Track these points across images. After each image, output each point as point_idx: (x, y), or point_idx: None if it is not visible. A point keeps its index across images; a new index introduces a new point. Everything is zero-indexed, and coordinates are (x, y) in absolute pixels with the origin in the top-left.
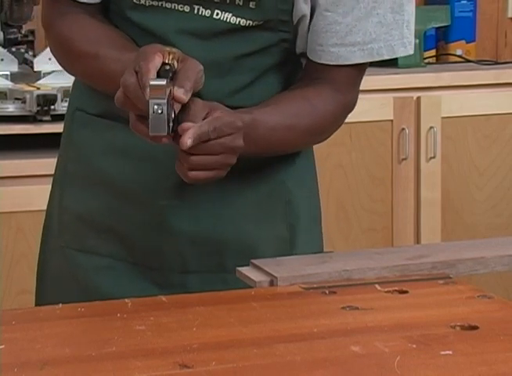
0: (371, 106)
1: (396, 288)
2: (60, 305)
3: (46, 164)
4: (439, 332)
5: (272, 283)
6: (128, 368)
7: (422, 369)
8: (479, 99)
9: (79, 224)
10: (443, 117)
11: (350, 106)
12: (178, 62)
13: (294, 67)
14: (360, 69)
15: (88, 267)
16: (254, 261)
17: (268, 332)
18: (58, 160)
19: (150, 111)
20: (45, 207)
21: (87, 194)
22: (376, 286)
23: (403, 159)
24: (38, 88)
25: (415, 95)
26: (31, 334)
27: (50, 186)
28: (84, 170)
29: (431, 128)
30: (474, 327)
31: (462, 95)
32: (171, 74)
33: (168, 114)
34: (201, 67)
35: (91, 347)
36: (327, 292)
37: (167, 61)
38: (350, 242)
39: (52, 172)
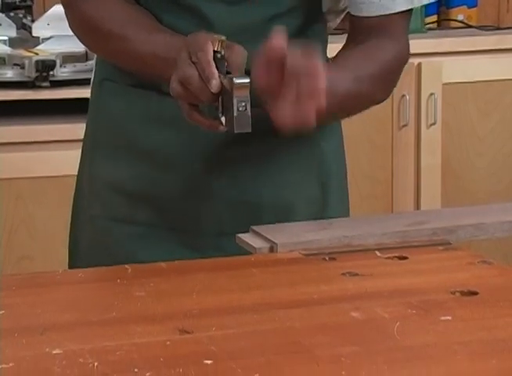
0: None
1: (396, 254)
2: (60, 270)
3: (45, 130)
4: (439, 298)
5: (271, 250)
6: (128, 333)
7: (421, 334)
8: (480, 65)
9: (111, 193)
10: (444, 84)
11: (405, 55)
12: (224, 48)
13: (322, 27)
14: (405, 17)
15: (122, 236)
16: (253, 227)
17: (268, 298)
18: (86, 130)
19: (235, 109)
20: (43, 174)
21: (119, 162)
22: (376, 252)
23: (403, 125)
24: (37, 54)
25: (416, 61)
26: (31, 299)
27: (49, 152)
28: (116, 139)
29: (432, 94)
30: (474, 293)
31: (463, 61)
32: (226, 64)
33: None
34: (246, 52)
35: (92, 312)
36: (327, 258)
37: (216, 49)
38: (350, 209)
39: (51, 138)
